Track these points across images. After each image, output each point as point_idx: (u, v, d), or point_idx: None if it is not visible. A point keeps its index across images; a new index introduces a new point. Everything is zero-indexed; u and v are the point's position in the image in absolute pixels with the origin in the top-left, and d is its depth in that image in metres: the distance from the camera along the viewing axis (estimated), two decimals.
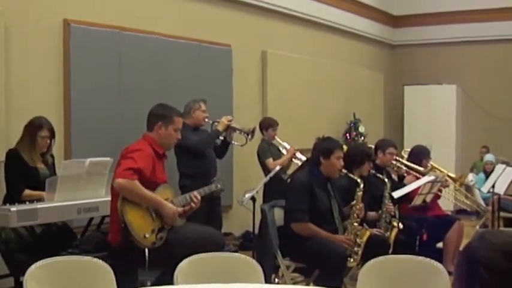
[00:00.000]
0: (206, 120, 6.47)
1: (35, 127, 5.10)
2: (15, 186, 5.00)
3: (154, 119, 4.69)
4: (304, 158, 7.10)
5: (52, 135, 5.20)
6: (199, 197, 4.78)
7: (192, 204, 4.74)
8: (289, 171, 7.38)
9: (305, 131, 8.83)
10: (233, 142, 6.73)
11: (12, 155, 5.06)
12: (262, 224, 5.44)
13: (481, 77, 11.88)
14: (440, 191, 6.96)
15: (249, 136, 6.63)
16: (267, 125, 7.52)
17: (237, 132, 6.61)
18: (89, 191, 5.06)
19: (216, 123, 6.49)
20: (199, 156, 6.30)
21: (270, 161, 7.28)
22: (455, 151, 11.58)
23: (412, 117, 11.87)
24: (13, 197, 4.88)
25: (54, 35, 5.97)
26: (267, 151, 7.37)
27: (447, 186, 7.16)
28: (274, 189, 6.74)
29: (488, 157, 10.06)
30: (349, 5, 10.78)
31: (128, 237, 4.37)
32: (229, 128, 6.49)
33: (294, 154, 7.32)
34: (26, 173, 5.03)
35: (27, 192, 4.98)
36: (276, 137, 7.53)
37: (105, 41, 6.37)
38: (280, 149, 7.52)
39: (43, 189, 4.88)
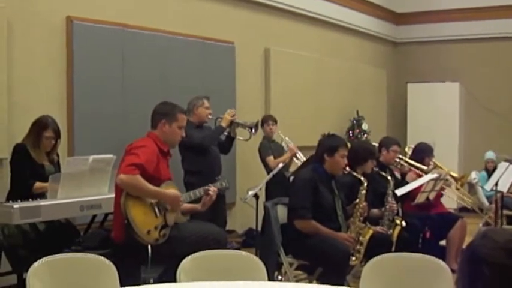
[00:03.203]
0: (210, 117, 6.48)
1: (40, 126, 5.11)
2: (25, 180, 5.00)
3: (159, 116, 4.70)
4: (304, 159, 7.11)
5: (57, 135, 5.20)
6: (215, 188, 4.83)
7: (211, 193, 4.79)
8: (292, 169, 7.39)
9: (308, 128, 8.83)
10: (237, 137, 6.74)
11: (20, 150, 5.07)
12: (265, 222, 5.44)
13: (484, 75, 11.85)
14: (443, 189, 6.96)
15: (253, 130, 6.62)
16: (263, 121, 7.54)
17: (241, 126, 6.62)
18: (92, 188, 5.07)
19: (219, 120, 6.49)
20: (204, 153, 6.31)
21: (270, 158, 7.30)
22: (458, 149, 11.56)
23: (415, 114, 11.85)
24: (23, 190, 4.88)
25: (57, 32, 5.98)
26: (267, 148, 7.39)
27: (449, 186, 7.15)
28: (276, 186, 6.73)
29: (489, 155, 10.00)
30: (352, 2, 10.77)
31: (131, 234, 4.37)
32: (232, 124, 6.50)
33: (295, 153, 7.32)
34: (33, 168, 5.04)
35: (38, 184, 5.00)
36: (279, 132, 7.54)
37: (108, 38, 6.37)
38: (283, 145, 7.53)
39: None
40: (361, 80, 11.11)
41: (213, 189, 4.83)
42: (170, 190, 4.57)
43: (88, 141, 6.08)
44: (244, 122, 6.61)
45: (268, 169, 7.16)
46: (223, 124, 6.41)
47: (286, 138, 7.49)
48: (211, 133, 6.45)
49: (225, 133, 6.53)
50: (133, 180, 4.30)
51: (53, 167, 5.21)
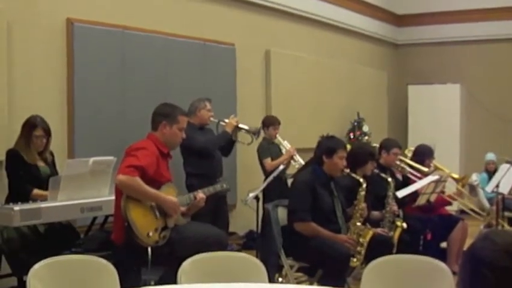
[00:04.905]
0: (211, 119, 6.48)
1: (29, 126, 5.08)
2: (22, 187, 4.97)
3: (159, 118, 4.69)
4: (302, 161, 7.09)
5: (47, 134, 5.16)
6: (201, 195, 4.79)
7: (197, 199, 4.75)
8: (289, 172, 7.36)
9: (309, 130, 8.81)
10: (239, 141, 6.73)
11: (12, 155, 5.04)
12: (265, 224, 5.43)
13: (485, 77, 11.85)
14: (453, 198, 6.99)
15: (256, 135, 6.66)
16: (268, 123, 7.51)
17: (244, 131, 6.62)
18: (93, 190, 5.06)
19: (222, 123, 6.49)
20: (206, 156, 6.30)
21: (267, 160, 7.29)
22: (459, 151, 11.56)
23: (416, 116, 11.84)
24: (20, 195, 4.85)
25: (57, 34, 5.97)
26: (266, 150, 7.37)
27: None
28: (273, 188, 6.69)
29: (490, 156, 9.99)
30: (353, 4, 10.77)
31: (131, 236, 4.37)
32: (236, 128, 6.51)
33: (292, 156, 7.30)
34: (27, 171, 5.02)
35: (36, 191, 4.97)
36: (277, 135, 7.52)
37: (108, 40, 6.37)
38: (281, 148, 7.51)
39: (45, 187, 4.88)
40: (362, 82, 11.11)
41: (200, 195, 4.80)
42: (169, 196, 4.55)
43: (88, 143, 6.07)
44: (249, 128, 6.61)
45: (265, 171, 7.16)
46: (228, 129, 6.41)
47: (285, 142, 7.47)
48: (215, 138, 6.45)
49: None
50: (132, 181, 4.30)
51: (47, 167, 5.18)
